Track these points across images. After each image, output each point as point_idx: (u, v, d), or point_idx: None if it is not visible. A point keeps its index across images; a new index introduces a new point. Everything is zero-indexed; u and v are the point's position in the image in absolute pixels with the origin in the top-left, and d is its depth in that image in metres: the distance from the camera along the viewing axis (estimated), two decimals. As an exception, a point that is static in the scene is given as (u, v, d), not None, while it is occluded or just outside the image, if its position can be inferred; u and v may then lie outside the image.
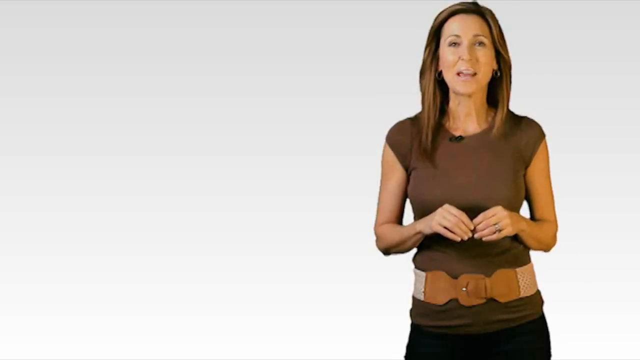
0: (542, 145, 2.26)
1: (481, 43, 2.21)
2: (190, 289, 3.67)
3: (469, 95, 2.23)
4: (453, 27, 2.21)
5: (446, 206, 2.14)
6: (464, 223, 2.11)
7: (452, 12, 2.22)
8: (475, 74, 2.19)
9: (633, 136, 3.66)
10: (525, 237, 2.22)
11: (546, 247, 2.31)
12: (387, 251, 2.35)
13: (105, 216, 3.71)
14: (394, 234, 2.30)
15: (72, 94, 3.77)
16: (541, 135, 2.27)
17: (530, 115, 2.30)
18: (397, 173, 2.30)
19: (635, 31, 3.68)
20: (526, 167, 2.26)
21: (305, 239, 3.64)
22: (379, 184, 2.35)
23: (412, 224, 2.27)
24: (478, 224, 2.12)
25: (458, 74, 2.20)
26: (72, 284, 3.70)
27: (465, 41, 2.20)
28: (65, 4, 3.75)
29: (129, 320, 3.68)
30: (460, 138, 2.26)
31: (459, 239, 2.12)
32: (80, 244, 3.69)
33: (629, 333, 3.58)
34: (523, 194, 2.26)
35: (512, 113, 2.28)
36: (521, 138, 2.25)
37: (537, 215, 2.29)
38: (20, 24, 3.78)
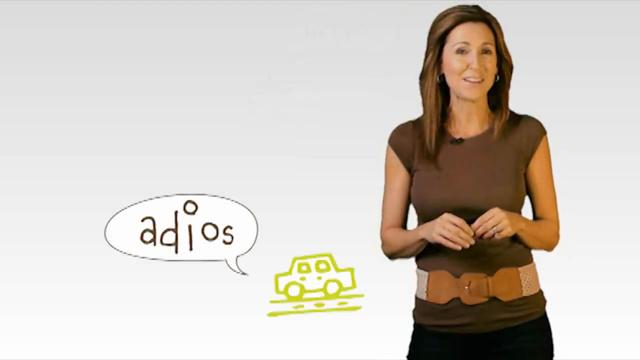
0: (542, 141, 2.27)
1: (488, 51, 2.22)
2: (190, 289, 3.66)
3: (473, 100, 2.24)
4: (461, 35, 2.21)
5: (445, 216, 2.14)
6: (464, 231, 2.12)
7: (459, 20, 2.22)
8: (482, 80, 2.21)
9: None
10: (525, 237, 2.22)
11: (547, 246, 2.31)
12: (392, 256, 2.35)
13: (105, 216, 3.71)
14: (398, 240, 2.31)
15: (72, 94, 3.77)
16: (541, 131, 2.27)
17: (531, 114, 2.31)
18: (401, 175, 2.31)
19: (635, 33, 3.68)
20: (527, 164, 2.26)
21: (305, 239, 3.63)
22: (383, 187, 2.35)
23: (415, 229, 2.27)
24: (477, 229, 2.13)
25: (465, 79, 2.21)
26: (72, 284, 3.70)
27: (474, 50, 2.21)
28: (65, 4, 3.75)
29: (129, 321, 3.68)
30: (461, 140, 2.27)
31: (459, 248, 2.13)
32: (80, 244, 3.68)
33: (631, 334, 3.58)
34: (524, 193, 2.27)
35: (512, 113, 2.29)
36: (521, 136, 2.26)
37: (538, 212, 2.29)
38: (20, 24, 3.78)
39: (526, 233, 2.22)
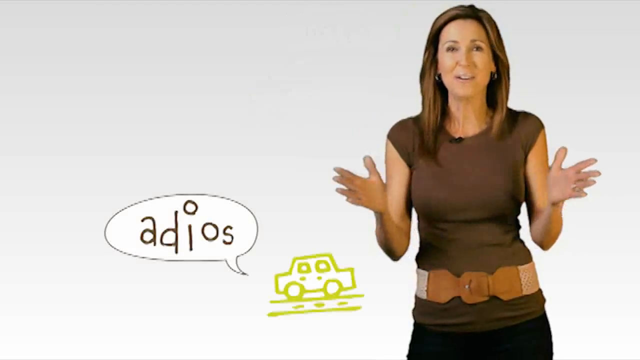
0: (540, 135, 2.27)
1: (478, 48, 2.22)
2: (190, 289, 3.66)
3: (468, 99, 2.24)
4: (451, 32, 2.23)
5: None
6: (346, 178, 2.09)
7: (450, 18, 2.23)
8: (473, 77, 2.21)
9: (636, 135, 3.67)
10: (560, 215, 2.18)
11: (555, 239, 2.27)
12: (386, 252, 2.33)
13: (105, 216, 3.71)
14: (376, 230, 2.29)
15: (72, 94, 3.77)
16: (539, 126, 2.28)
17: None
18: (401, 169, 2.30)
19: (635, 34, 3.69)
20: (525, 159, 2.26)
21: (305, 239, 3.64)
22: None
23: None
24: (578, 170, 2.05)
25: (456, 77, 2.21)
26: (72, 284, 3.70)
27: (462, 47, 2.21)
28: (65, 4, 3.75)
29: (129, 320, 3.68)
30: (460, 139, 2.27)
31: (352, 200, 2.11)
32: (80, 244, 3.69)
33: (630, 334, 3.59)
34: (524, 190, 2.27)
35: (510, 110, 2.29)
36: (519, 132, 2.26)
37: (537, 206, 2.28)
38: (20, 24, 3.78)
39: (561, 212, 2.18)
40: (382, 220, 2.21)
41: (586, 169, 2.04)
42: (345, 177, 2.10)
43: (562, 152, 2.08)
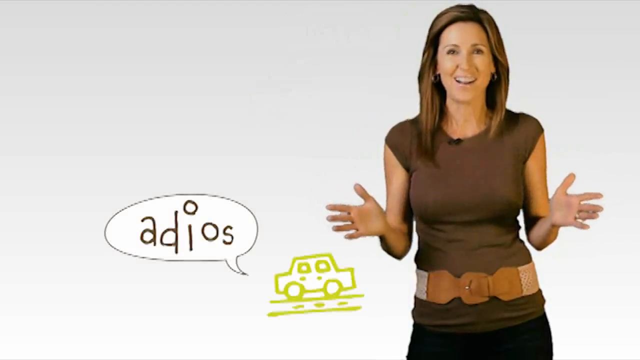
0: (540, 139, 2.27)
1: (479, 51, 2.22)
2: (190, 289, 3.67)
3: (468, 102, 2.24)
4: (452, 36, 2.22)
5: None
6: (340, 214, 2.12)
7: (451, 20, 2.22)
8: (474, 80, 2.21)
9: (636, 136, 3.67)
10: (557, 230, 2.21)
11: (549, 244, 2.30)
12: (387, 253, 2.35)
13: (105, 216, 3.71)
14: None
15: (72, 94, 3.77)
16: (539, 129, 2.27)
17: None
18: (399, 174, 2.31)
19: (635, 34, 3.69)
20: (524, 162, 2.26)
21: (305, 239, 3.63)
22: (382, 187, 2.35)
23: None
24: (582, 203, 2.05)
25: (457, 80, 2.21)
26: (72, 284, 3.70)
27: (463, 50, 2.21)
28: (65, 4, 3.75)
29: (129, 320, 3.68)
30: (459, 141, 2.27)
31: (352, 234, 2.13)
32: (80, 244, 3.69)
33: (629, 335, 3.59)
34: (523, 193, 2.27)
35: (508, 112, 2.29)
36: (519, 135, 2.26)
37: (535, 210, 2.29)
38: (20, 24, 3.78)
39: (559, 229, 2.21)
40: (383, 240, 2.26)
41: (591, 201, 2.05)
42: (340, 211, 2.12)
43: (571, 177, 2.10)
